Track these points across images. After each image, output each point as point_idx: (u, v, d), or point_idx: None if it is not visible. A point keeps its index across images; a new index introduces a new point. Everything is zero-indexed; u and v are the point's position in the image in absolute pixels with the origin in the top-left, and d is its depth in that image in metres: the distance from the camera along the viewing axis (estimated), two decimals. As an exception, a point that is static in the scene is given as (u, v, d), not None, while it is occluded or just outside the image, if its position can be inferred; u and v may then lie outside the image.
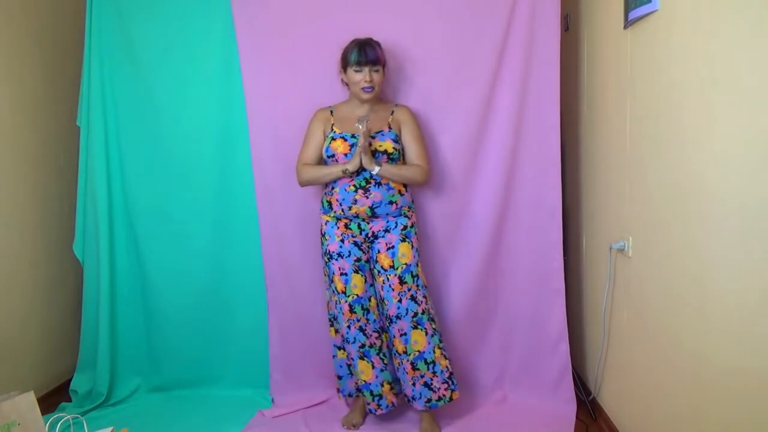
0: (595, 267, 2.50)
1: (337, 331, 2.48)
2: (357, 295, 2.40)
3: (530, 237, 2.59)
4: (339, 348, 2.50)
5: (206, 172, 2.71)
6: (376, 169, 2.27)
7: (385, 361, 2.45)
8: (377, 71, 2.32)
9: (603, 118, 2.35)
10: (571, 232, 2.78)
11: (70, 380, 2.82)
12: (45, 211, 2.82)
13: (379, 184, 2.32)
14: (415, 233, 2.43)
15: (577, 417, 2.47)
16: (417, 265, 2.41)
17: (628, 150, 2.06)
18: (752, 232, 1.33)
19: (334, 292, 2.43)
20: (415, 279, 2.40)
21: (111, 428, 1.95)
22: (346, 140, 2.35)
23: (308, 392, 2.71)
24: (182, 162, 2.71)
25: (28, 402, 1.98)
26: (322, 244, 2.44)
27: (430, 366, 2.39)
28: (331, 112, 2.44)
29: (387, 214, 2.37)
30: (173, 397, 2.78)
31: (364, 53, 2.29)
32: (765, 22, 1.26)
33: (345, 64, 2.33)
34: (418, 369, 2.38)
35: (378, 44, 2.34)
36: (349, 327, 2.41)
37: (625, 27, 2.03)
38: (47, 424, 1.91)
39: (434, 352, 2.40)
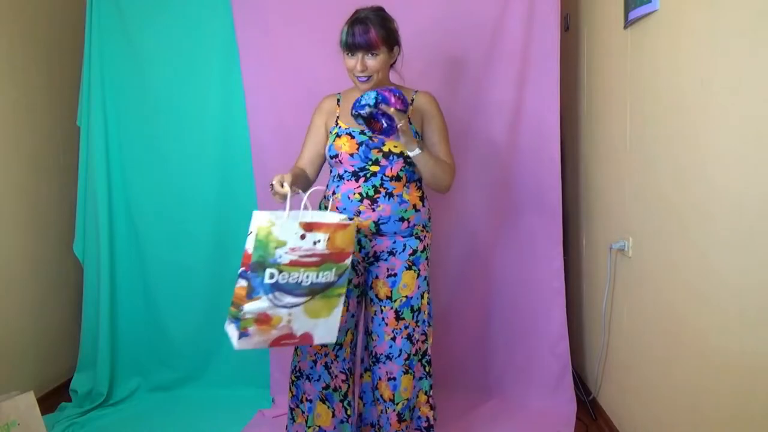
0: (595, 267, 2.49)
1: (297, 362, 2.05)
2: None
3: (530, 237, 2.59)
4: (296, 378, 2.05)
5: (207, 171, 2.71)
6: (416, 151, 1.84)
7: (349, 412, 2.05)
8: (375, 55, 1.88)
9: (603, 118, 2.35)
10: (571, 232, 2.78)
11: (70, 380, 2.81)
12: (45, 211, 2.82)
13: (390, 195, 1.93)
14: (426, 258, 2.03)
15: (577, 417, 2.47)
16: (422, 297, 2.01)
17: (628, 150, 2.06)
18: (753, 231, 1.33)
19: None
20: (416, 314, 2.00)
21: None
22: (353, 137, 1.95)
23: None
24: (183, 161, 2.71)
25: (28, 402, 1.99)
26: None
27: (411, 413, 2.06)
28: (338, 100, 2.07)
29: (395, 233, 1.97)
30: (173, 397, 2.78)
31: (353, 36, 1.86)
32: (765, 22, 1.26)
33: (340, 44, 1.93)
34: (405, 420, 2.03)
35: (381, 20, 1.90)
36: (314, 362, 1.99)
37: (625, 27, 2.02)
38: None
39: (417, 397, 2.06)
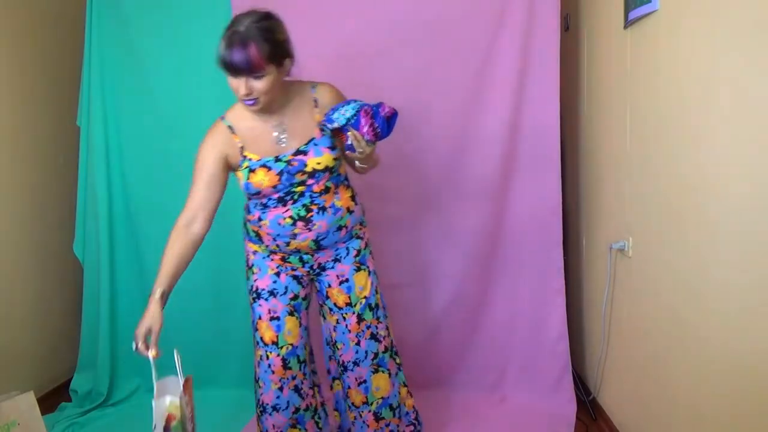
0: (595, 267, 2.49)
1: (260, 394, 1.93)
2: (292, 344, 1.89)
3: (530, 237, 2.58)
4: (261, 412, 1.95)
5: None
6: (370, 164, 1.79)
7: (320, 425, 2.01)
8: (259, 77, 1.60)
9: (603, 118, 2.35)
10: (571, 232, 2.78)
11: (70, 380, 2.82)
12: (45, 211, 2.82)
13: (323, 209, 1.78)
14: (370, 253, 1.98)
15: (577, 417, 2.47)
16: (377, 292, 1.96)
17: (628, 150, 2.06)
18: (753, 231, 1.33)
19: (258, 344, 1.89)
20: (375, 311, 1.95)
21: None
22: (270, 168, 1.73)
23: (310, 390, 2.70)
24: (182, 161, 2.70)
25: (28, 402, 1.98)
26: (248, 277, 1.92)
27: (396, 411, 2.00)
28: (230, 128, 1.76)
29: (335, 242, 1.86)
30: (173, 397, 2.78)
31: (230, 55, 1.57)
32: (765, 22, 1.26)
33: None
34: (383, 418, 1.97)
35: (265, 32, 1.59)
36: (281, 389, 1.88)
37: (625, 27, 2.02)
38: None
39: (399, 393, 2.02)
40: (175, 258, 1.75)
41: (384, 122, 1.63)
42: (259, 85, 1.61)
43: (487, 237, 2.60)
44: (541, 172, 2.54)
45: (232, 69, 1.59)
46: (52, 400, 2.73)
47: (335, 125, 1.65)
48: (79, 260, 2.80)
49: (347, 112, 1.63)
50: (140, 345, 1.65)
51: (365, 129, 1.62)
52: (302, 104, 1.78)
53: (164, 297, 1.73)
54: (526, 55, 2.47)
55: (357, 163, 1.78)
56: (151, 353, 1.62)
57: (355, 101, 1.69)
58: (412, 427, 2.09)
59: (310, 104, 1.79)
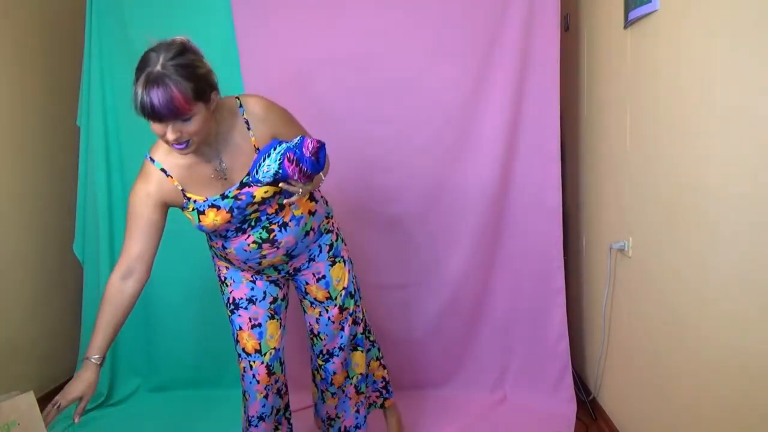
0: (595, 267, 2.49)
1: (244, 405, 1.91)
2: (274, 348, 1.86)
3: (530, 236, 2.58)
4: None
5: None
6: (312, 187, 1.64)
7: (291, 421, 2.05)
8: (187, 120, 1.43)
9: (603, 118, 2.35)
10: (571, 232, 2.78)
11: (69, 380, 2.81)
12: (45, 211, 2.82)
13: (284, 225, 1.71)
14: (342, 241, 1.95)
15: (577, 417, 2.47)
16: (353, 278, 1.96)
17: (628, 150, 2.06)
18: (753, 231, 1.33)
19: (240, 356, 1.84)
20: (354, 296, 1.95)
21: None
22: (219, 207, 1.62)
23: (307, 392, 2.71)
24: (182, 162, 2.71)
25: (28, 402, 1.98)
26: (222, 292, 1.88)
27: (370, 381, 2.12)
28: (163, 170, 1.60)
29: (307, 247, 1.83)
30: (173, 397, 2.78)
31: (149, 103, 1.38)
32: (765, 22, 1.26)
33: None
34: (362, 392, 2.05)
35: (185, 69, 1.41)
36: (266, 397, 1.85)
37: (625, 27, 2.02)
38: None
39: (369, 366, 2.08)
40: (111, 323, 1.62)
41: (311, 161, 1.53)
42: (189, 127, 1.44)
43: (486, 237, 2.60)
44: (541, 172, 2.54)
45: (154, 116, 1.39)
46: (52, 400, 2.73)
47: (265, 182, 1.56)
48: (79, 260, 2.80)
49: (271, 166, 1.52)
50: (62, 406, 1.52)
51: (295, 177, 1.53)
52: (234, 130, 1.61)
53: (101, 362, 1.60)
54: (526, 55, 2.47)
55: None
56: (76, 419, 1.53)
57: (275, 147, 1.55)
58: (377, 393, 2.19)
59: (243, 128, 1.61)
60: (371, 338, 2.12)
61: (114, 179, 2.74)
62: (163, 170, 1.61)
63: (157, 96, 1.37)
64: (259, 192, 1.63)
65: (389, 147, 2.56)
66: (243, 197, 1.63)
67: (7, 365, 2.57)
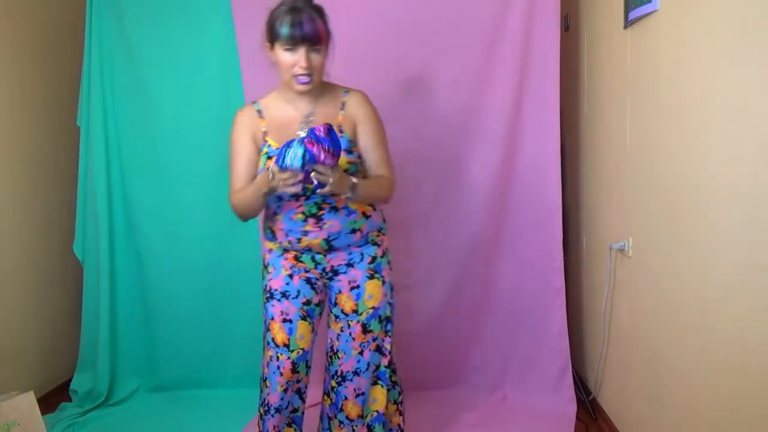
0: (595, 267, 2.49)
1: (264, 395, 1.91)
2: (303, 349, 1.87)
3: (530, 236, 2.58)
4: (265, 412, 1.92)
5: (206, 172, 2.71)
6: (349, 194, 1.69)
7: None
8: (317, 51, 1.67)
9: (603, 118, 2.35)
10: (571, 232, 2.78)
11: (70, 380, 2.82)
12: (45, 211, 2.82)
13: (335, 209, 1.78)
14: (388, 263, 1.93)
15: (577, 417, 2.47)
16: (389, 305, 1.91)
17: (628, 150, 2.06)
18: (753, 231, 1.33)
19: (269, 344, 1.87)
20: (384, 324, 1.90)
21: None
22: None
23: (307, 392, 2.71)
24: (182, 161, 2.71)
25: (28, 402, 1.99)
26: (263, 277, 1.93)
27: (386, 425, 1.98)
28: (259, 112, 1.83)
29: (348, 245, 1.84)
30: (173, 397, 2.78)
31: (299, 26, 1.62)
32: (765, 22, 1.26)
33: (272, 37, 1.69)
34: None
35: (320, 10, 1.70)
36: (285, 391, 1.87)
37: (625, 27, 2.02)
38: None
39: (388, 408, 1.97)
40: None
41: (328, 140, 1.58)
42: (317, 59, 1.67)
43: (487, 237, 2.60)
44: (542, 172, 2.54)
45: (298, 40, 1.63)
46: (52, 400, 2.73)
47: (294, 168, 1.58)
48: (79, 260, 2.80)
49: (296, 153, 1.56)
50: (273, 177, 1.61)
51: (322, 156, 1.56)
52: (331, 103, 1.82)
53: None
54: (526, 55, 2.47)
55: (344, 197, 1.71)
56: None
57: (288, 143, 1.60)
58: None
59: (338, 105, 1.82)
60: (395, 379, 1.99)
61: (114, 179, 2.74)
62: (259, 111, 1.82)
63: (305, 22, 1.62)
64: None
65: (390, 147, 2.56)
66: (310, 186, 1.70)
67: (7, 365, 2.57)
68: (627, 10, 1.97)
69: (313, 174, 1.59)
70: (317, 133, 1.57)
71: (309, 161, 1.56)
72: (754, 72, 1.31)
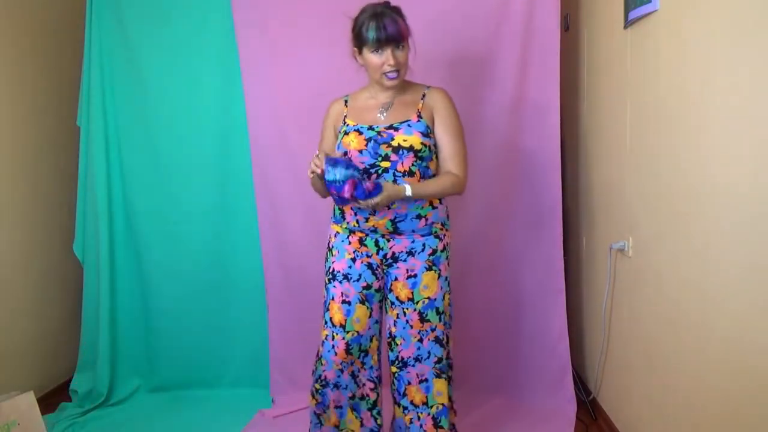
0: (595, 267, 2.50)
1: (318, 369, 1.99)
2: (358, 332, 1.94)
3: (530, 236, 2.58)
4: (317, 390, 2.00)
5: (206, 172, 2.71)
6: (407, 190, 1.80)
7: (379, 422, 2.03)
8: (401, 48, 1.83)
9: (603, 118, 2.35)
10: (571, 232, 2.78)
11: (70, 380, 2.82)
12: (45, 211, 2.82)
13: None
14: (447, 258, 1.97)
15: (577, 417, 2.47)
16: (444, 299, 1.95)
17: (628, 150, 2.06)
18: (753, 231, 1.33)
19: (326, 324, 1.96)
20: (442, 316, 1.94)
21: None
22: (361, 133, 1.88)
23: (308, 392, 2.71)
24: (182, 162, 2.71)
25: (28, 402, 1.99)
26: (327, 259, 2.00)
27: (447, 423, 1.97)
28: (346, 102, 2.00)
29: (413, 231, 1.90)
30: (173, 397, 2.78)
31: (384, 29, 1.78)
32: (765, 22, 1.26)
33: (359, 42, 1.84)
34: (442, 427, 1.95)
35: (398, 10, 1.85)
36: (341, 371, 1.95)
37: (625, 27, 2.02)
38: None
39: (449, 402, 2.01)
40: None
41: (363, 194, 1.75)
42: (402, 56, 1.83)
43: (487, 237, 2.60)
44: (542, 172, 2.54)
45: (383, 41, 1.79)
46: (52, 400, 2.73)
47: (328, 177, 1.76)
48: (79, 260, 2.80)
49: (339, 173, 1.74)
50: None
51: (345, 190, 1.74)
52: (411, 94, 1.95)
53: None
54: (526, 54, 2.47)
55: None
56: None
57: (354, 169, 1.77)
58: None
59: (418, 98, 1.94)
60: (450, 374, 2.01)
61: (114, 179, 2.74)
62: (345, 102, 2.00)
63: (389, 24, 1.78)
64: (399, 137, 1.85)
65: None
66: (385, 135, 1.87)
67: (7, 365, 2.57)
68: (627, 10, 1.97)
69: (362, 202, 1.76)
70: (363, 186, 1.73)
71: (334, 187, 1.74)
72: (754, 72, 1.31)
